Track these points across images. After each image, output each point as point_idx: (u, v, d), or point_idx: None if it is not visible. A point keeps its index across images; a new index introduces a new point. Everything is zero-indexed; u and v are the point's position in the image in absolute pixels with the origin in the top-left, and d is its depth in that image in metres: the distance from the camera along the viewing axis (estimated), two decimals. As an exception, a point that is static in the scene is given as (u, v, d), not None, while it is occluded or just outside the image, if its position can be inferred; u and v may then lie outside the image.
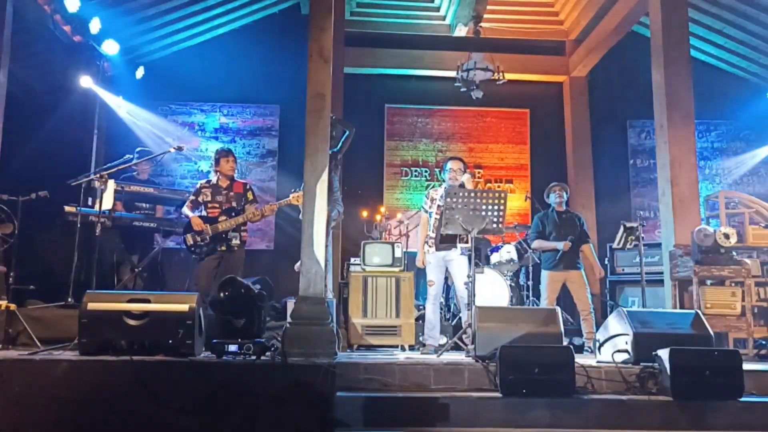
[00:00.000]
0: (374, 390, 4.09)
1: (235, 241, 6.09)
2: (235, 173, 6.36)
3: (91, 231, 5.82)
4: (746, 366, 4.08)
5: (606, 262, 8.16)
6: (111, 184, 5.72)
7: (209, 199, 6.21)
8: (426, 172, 9.73)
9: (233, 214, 6.12)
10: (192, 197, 6.29)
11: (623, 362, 4.34)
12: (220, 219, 6.06)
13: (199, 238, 6.02)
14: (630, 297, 7.79)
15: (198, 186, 6.42)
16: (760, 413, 3.90)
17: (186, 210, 6.21)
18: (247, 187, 6.40)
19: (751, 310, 5.95)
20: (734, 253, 6.07)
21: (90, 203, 6.23)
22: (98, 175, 5.68)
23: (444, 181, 6.30)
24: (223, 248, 6.06)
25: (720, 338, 5.81)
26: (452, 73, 8.31)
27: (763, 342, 6.35)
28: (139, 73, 8.70)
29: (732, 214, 6.93)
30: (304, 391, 4.03)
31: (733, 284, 6.09)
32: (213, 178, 6.34)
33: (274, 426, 3.95)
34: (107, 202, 5.76)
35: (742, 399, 3.93)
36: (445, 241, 5.84)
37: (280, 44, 9.33)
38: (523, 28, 9.80)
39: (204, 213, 6.19)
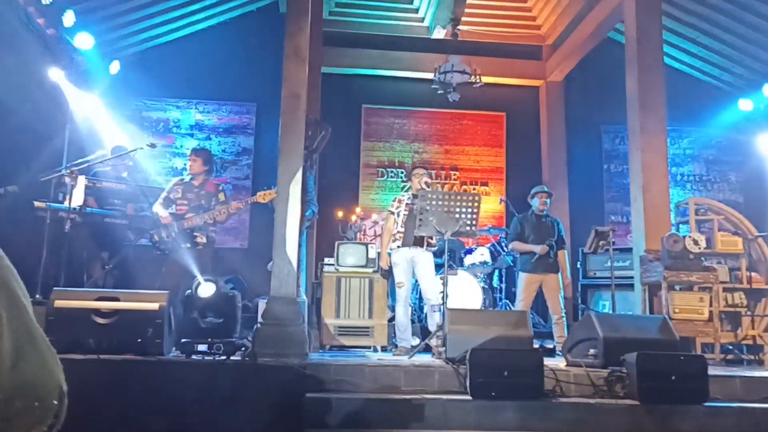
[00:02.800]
0: (345, 391, 4.09)
1: (201, 239, 6.02)
2: (199, 172, 6.22)
3: (61, 227, 5.73)
4: (712, 371, 4.15)
5: (578, 266, 8.24)
6: (81, 180, 5.64)
7: (180, 196, 6.14)
8: (402, 173, 9.74)
9: (201, 211, 6.04)
10: (164, 194, 6.23)
11: (592, 366, 4.37)
12: (187, 216, 6.00)
13: (164, 234, 5.94)
14: (601, 300, 7.88)
15: (171, 183, 6.37)
16: (725, 418, 3.97)
17: (156, 207, 6.14)
18: (220, 188, 6.33)
19: (718, 316, 6.05)
20: (703, 259, 6.17)
21: (60, 199, 6.14)
22: (69, 171, 5.59)
23: (410, 187, 6.35)
24: (188, 246, 5.98)
25: (688, 343, 5.89)
26: (430, 75, 8.34)
27: (730, 347, 6.46)
28: (114, 67, 8.59)
29: (701, 221, 7.03)
30: (274, 392, 4.03)
31: (701, 290, 6.19)
32: (187, 176, 6.29)
33: (243, 426, 3.93)
34: (78, 198, 5.68)
35: (707, 404, 3.99)
36: (416, 242, 5.86)
37: (257, 42, 9.28)
38: (500, 32, 9.86)
39: (173, 210, 6.13)
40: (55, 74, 7.47)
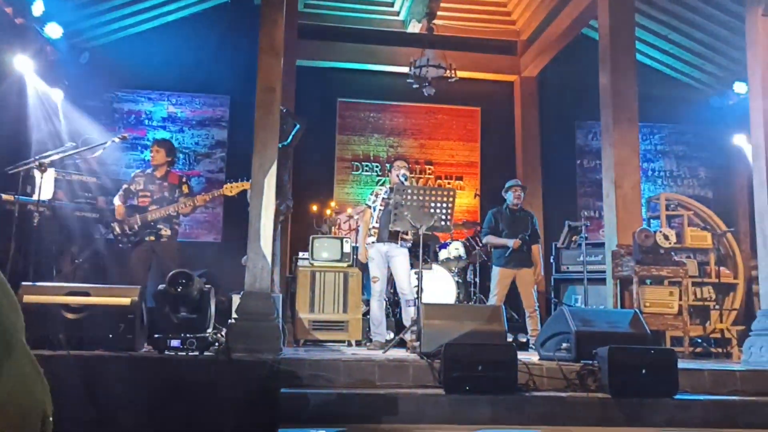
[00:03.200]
0: (319, 386, 4.08)
1: (165, 231, 5.94)
2: (162, 163, 6.12)
3: (29, 220, 5.62)
4: (681, 364, 4.21)
5: (551, 260, 8.32)
6: (51, 173, 5.54)
7: (141, 188, 6.05)
8: (377, 167, 9.73)
9: (164, 204, 5.96)
10: (125, 185, 6.14)
11: (564, 360, 4.42)
12: (150, 208, 5.92)
13: (126, 227, 5.86)
14: (574, 294, 7.96)
15: (132, 175, 6.29)
16: (694, 411, 4.03)
17: (115, 198, 6.06)
18: (183, 180, 6.24)
19: (687, 309, 6.16)
20: (673, 254, 6.27)
21: (29, 192, 6.02)
22: (37, 164, 5.48)
23: (390, 180, 6.34)
24: (152, 238, 5.90)
25: (658, 336, 5.99)
26: (405, 69, 8.32)
27: (699, 340, 6.59)
28: (84, 58, 8.44)
29: (672, 216, 7.15)
30: (248, 387, 4.00)
31: (671, 284, 6.30)
32: (149, 167, 6.21)
33: (217, 422, 3.90)
34: (47, 191, 5.57)
35: (677, 396, 4.06)
36: (391, 236, 5.87)
37: (231, 34, 9.17)
38: (475, 27, 9.88)
39: (135, 202, 6.04)
40: (24, 64, 7.32)
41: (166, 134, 9.13)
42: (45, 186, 5.49)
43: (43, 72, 7.62)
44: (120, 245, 5.96)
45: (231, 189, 5.85)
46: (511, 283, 6.76)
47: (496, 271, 6.84)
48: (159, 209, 5.89)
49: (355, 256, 6.75)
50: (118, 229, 5.88)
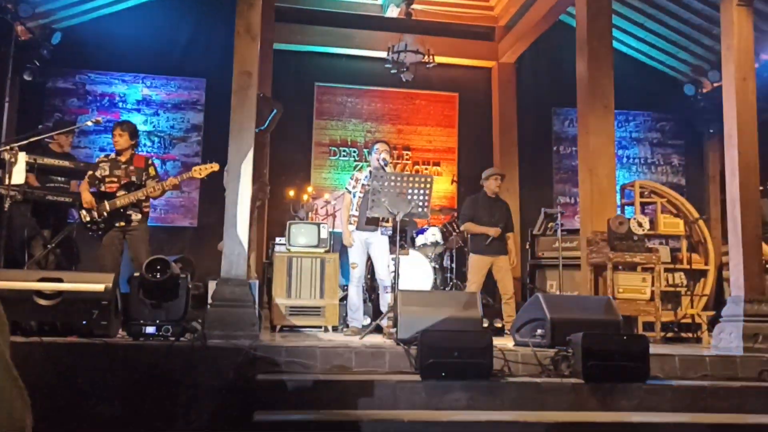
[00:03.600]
0: (296, 372, 4.08)
1: (135, 216, 5.86)
2: (126, 147, 6.00)
3: (0, 205, 5.52)
4: (652, 350, 4.28)
5: (527, 247, 8.38)
6: (22, 157, 5.43)
7: (107, 173, 5.93)
8: (355, 152, 9.70)
9: (132, 188, 5.86)
10: (90, 172, 6.03)
11: (539, 346, 4.47)
12: (118, 194, 5.83)
13: (96, 214, 5.78)
14: (549, 280, 8.04)
15: (97, 160, 6.18)
16: (664, 395, 4.11)
17: (82, 186, 5.96)
18: (149, 162, 6.13)
19: (659, 295, 6.25)
20: (646, 241, 6.35)
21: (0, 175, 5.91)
22: (8, 147, 5.38)
23: (370, 163, 6.32)
24: (122, 224, 5.83)
25: (630, 321, 6.08)
26: (383, 54, 8.29)
27: (670, 325, 6.70)
28: (56, 38, 8.27)
29: (645, 203, 7.23)
30: (224, 374, 3.99)
31: (644, 270, 6.39)
32: (113, 151, 6.11)
33: (193, 409, 3.89)
34: (19, 176, 5.47)
35: (648, 381, 4.13)
36: (369, 223, 5.86)
37: (207, 16, 9.06)
38: (454, 12, 9.85)
39: (102, 188, 5.94)
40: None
41: (140, 117, 9.00)
42: (16, 170, 5.38)
43: (13, 53, 7.46)
44: (90, 233, 5.87)
45: (200, 171, 5.78)
46: (488, 271, 6.80)
47: (473, 259, 6.88)
48: (127, 195, 5.79)
49: (332, 242, 6.74)
50: (87, 217, 5.79)
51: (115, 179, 5.89)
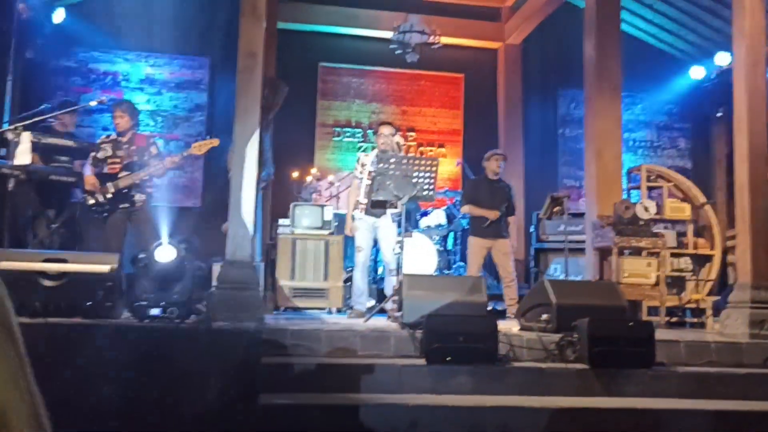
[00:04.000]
0: (301, 355, 4.08)
1: (139, 197, 5.83)
2: (127, 128, 5.95)
3: (4, 185, 5.50)
4: (658, 335, 4.27)
5: (531, 230, 8.36)
6: (26, 137, 5.39)
7: (110, 154, 5.89)
8: (359, 133, 9.65)
9: (135, 168, 5.83)
10: (92, 153, 5.99)
11: (544, 331, 4.46)
12: (120, 175, 5.79)
13: (100, 196, 5.76)
14: (554, 264, 8.02)
15: (98, 141, 6.14)
16: (669, 381, 4.11)
17: (85, 168, 5.93)
18: (151, 141, 6.08)
19: (664, 280, 6.23)
20: (652, 225, 6.32)
21: (3, 154, 5.87)
22: (12, 127, 5.33)
23: (376, 146, 6.26)
24: (126, 205, 5.81)
25: (635, 306, 6.07)
26: (388, 34, 8.21)
27: (674, 310, 6.69)
28: (58, 16, 8.18)
29: (652, 187, 7.18)
30: (229, 357, 3.99)
31: (649, 255, 6.36)
32: (114, 132, 6.06)
33: (198, 391, 3.89)
34: (23, 156, 5.43)
35: (654, 367, 4.12)
36: (376, 206, 5.82)
37: (211, -7, 8.97)
38: (460, -9, 9.75)
39: (105, 170, 5.91)
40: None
41: (143, 96, 8.95)
42: (20, 150, 5.35)
43: (16, 31, 7.38)
44: (95, 215, 5.85)
45: (200, 147, 5.74)
46: (487, 254, 6.77)
47: (472, 241, 6.82)
48: (130, 175, 5.75)
49: (335, 224, 6.72)
50: (91, 200, 5.77)
51: (118, 160, 5.85)
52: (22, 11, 7.73)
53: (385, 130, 6.06)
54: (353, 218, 6.06)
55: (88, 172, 5.83)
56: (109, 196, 5.74)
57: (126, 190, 5.74)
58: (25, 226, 6.19)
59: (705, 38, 9.47)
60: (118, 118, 5.93)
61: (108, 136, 6.08)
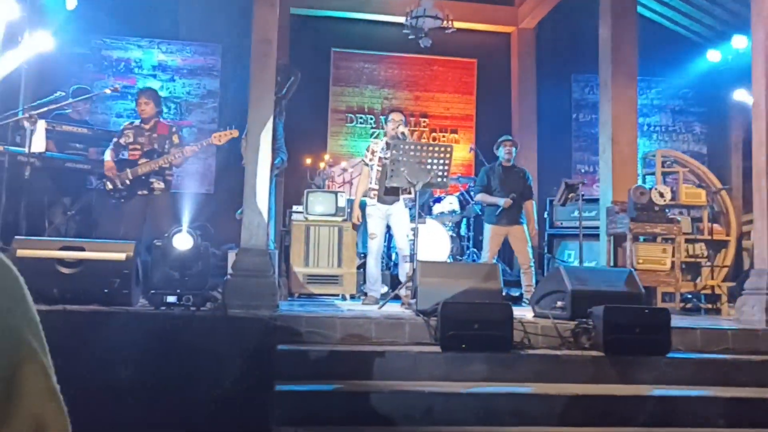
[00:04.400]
0: (316, 343, 4.10)
1: (158, 184, 5.86)
2: (152, 115, 5.96)
3: (20, 172, 5.53)
4: (673, 322, 4.25)
5: (545, 216, 8.32)
6: (41, 125, 5.42)
7: (131, 140, 5.92)
8: (371, 119, 9.62)
9: (155, 156, 5.85)
10: (115, 139, 6.03)
11: (559, 318, 4.45)
12: (140, 162, 5.82)
13: (118, 182, 5.79)
14: (567, 250, 7.99)
15: (122, 127, 6.17)
16: (685, 368, 4.10)
17: (106, 153, 5.96)
18: (173, 130, 6.11)
19: (679, 266, 6.20)
20: (667, 211, 6.28)
21: (18, 141, 5.91)
22: (27, 115, 5.36)
23: (386, 133, 6.25)
24: (144, 192, 5.84)
25: (649, 292, 6.04)
26: (401, 19, 8.14)
27: (689, 296, 6.66)
28: (71, 3, 8.17)
29: (667, 173, 7.13)
30: (244, 344, 4.02)
31: (664, 241, 6.32)
32: (138, 119, 6.08)
33: (214, 379, 3.93)
34: (38, 143, 5.46)
35: (670, 355, 4.11)
36: (389, 193, 5.82)
37: (223, -21, 8.92)
38: (473, -25, 9.65)
39: (125, 156, 5.94)
40: (9, 10, 7.08)
41: (156, 83, 8.96)
42: (36, 138, 5.38)
43: (29, 18, 7.39)
44: (113, 201, 5.90)
45: (220, 138, 5.76)
46: (504, 240, 6.76)
47: (487, 228, 6.82)
48: (149, 162, 5.78)
49: (348, 210, 6.72)
50: (110, 185, 5.80)
51: (138, 146, 5.88)
52: (36, -1, 7.74)
53: (396, 117, 6.04)
54: (364, 206, 6.07)
55: (108, 157, 5.87)
56: (127, 182, 5.77)
57: (144, 177, 5.77)
58: (41, 213, 6.24)
59: (721, 21, 9.33)
60: (143, 105, 5.94)
61: (132, 123, 6.11)
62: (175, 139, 6.00)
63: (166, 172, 5.90)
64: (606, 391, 3.87)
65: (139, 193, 5.79)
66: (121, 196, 5.81)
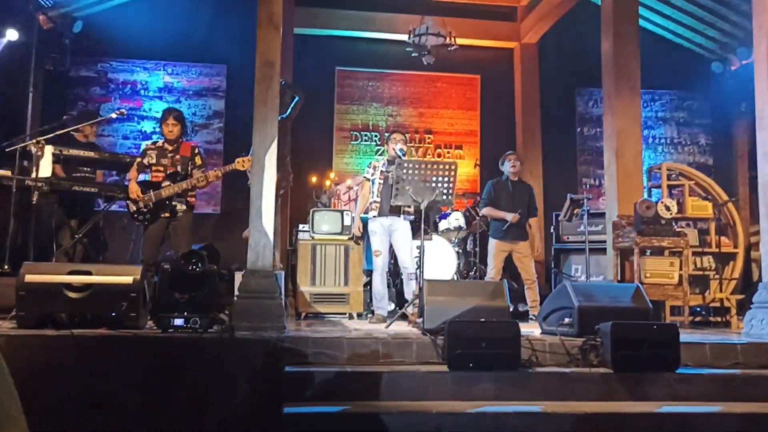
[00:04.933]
0: (323, 364, 4.09)
1: (180, 207, 5.88)
2: (178, 136, 6.02)
3: (28, 197, 5.58)
4: (682, 337, 4.22)
5: (551, 230, 8.31)
6: (48, 150, 5.47)
7: (154, 161, 5.95)
8: (376, 136, 9.65)
9: (178, 178, 5.88)
10: (138, 159, 6.06)
11: (567, 335, 4.43)
12: (163, 185, 5.85)
13: (142, 205, 5.81)
14: (574, 264, 7.97)
15: (144, 147, 6.20)
16: (695, 384, 4.06)
17: (129, 174, 6.00)
18: (196, 150, 6.12)
19: (687, 279, 6.17)
20: (674, 224, 6.26)
21: (26, 166, 5.96)
22: (35, 141, 5.41)
23: (388, 152, 6.29)
24: (167, 215, 5.86)
25: (658, 306, 6.01)
26: (404, 37, 8.21)
27: (698, 309, 6.63)
28: (77, 27, 8.29)
29: (673, 185, 7.11)
30: (252, 366, 4.02)
31: (671, 254, 6.30)
32: (161, 139, 6.11)
33: (221, 401, 3.93)
34: (45, 168, 5.51)
35: (679, 370, 4.08)
36: (393, 211, 5.85)
37: (228, 2, 9.02)
38: (475, -8, 9.72)
39: (148, 177, 5.97)
40: (10, 34, 7.17)
41: (162, 104, 9.03)
42: (43, 163, 5.43)
43: (36, 43, 7.49)
44: (137, 223, 5.92)
45: (243, 163, 5.76)
46: (507, 256, 6.75)
47: (493, 244, 6.82)
48: (172, 185, 5.80)
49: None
50: (133, 207, 5.82)
51: (162, 168, 5.89)
52: (43, 23, 7.84)
53: (396, 137, 6.09)
54: (364, 220, 6.12)
55: (132, 178, 5.89)
56: (150, 205, 5.79)
57: (168, 200, 5.79)
58: (49, 237, 6.27)
59: (725, 33, 9.35)
60: (171, 126, 5.95)
61: (154, 143, 6.12)
62: (198, 160, 6.02)
63: (189, 193, 5.92)
64: (616, 408, 3.84)
65: (162, 215, 5.81)
66: (144, 218, 5.82)
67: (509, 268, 7.04)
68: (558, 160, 9.73)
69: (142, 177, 5.98)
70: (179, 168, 5.92)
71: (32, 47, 7.57)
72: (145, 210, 5.81)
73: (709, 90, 9.93)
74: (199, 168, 5.98)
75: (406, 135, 6.59)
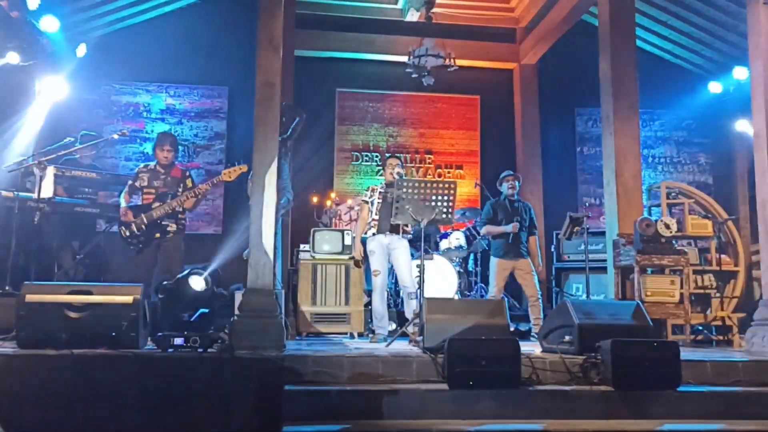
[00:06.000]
0: (323, 383, 4.08)
1: (171, 227, 5.92)
2: (171, 161, 6.10)
3: (30, 217, 5.61)
4: (683, 355, 4.21)
5: (552, 249, 8.32)
6: (50, 171, 5.51)
7: (146, 184, 6.02)
8: (377, 157, 9.70)
9: (168, 199, 5.93)
10: (130, 182, 6.11)
11: (567, 353, 4.42)
12: (153, 206, 5.89)
13: (135, 228, 5.84)
14: (574, 283, 7.97)
15: (136, 171, 6.26)
16: (697, 402, 4.05)
17: (121, 199, 6.04)
18: (187, 174, 6.21)
19: (688, 298, 6.15)
20: (674, 242, 6.26)
21: (29, 187, 6.00)
22: (37, 162, 5.45)
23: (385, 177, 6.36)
24: (158, 236, 5.90)
25: (659, 325, 5.99)
26: (404, 58, 8.28)
27: (700, 328, 6.60)
28: (81, 51, 8.36)
29: (672, 204, 7.12)
30: (252, 385, 4.01)
31: (672, 272, 6.29)
32: (153, 162, 6.18)
33: (221, 421, 3.91)
34: (47, 189, 5.55)
35: (680, 388, 4.07)
36: (392, 230, 5.87)
37: (228, 24, 9.11)
38: (474, 15, 9.80)
39: (139, 201, 6.02)
40: (11, 57, 7.23)
41: (164, 126, 9.09)
42: (45, 184, 5.47)
43: (40, 66, 7.56)
44: (131, 247, 5.95)
45: (230, 174, 5.84)
46: (509, 275, 6.76)
47: (494, 262, 6.84)
48: (162, 206, 5.86)
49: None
50: (126, 231, 5.86)
51: (153, 190, 5.97)
52: (46, 46, 7.92)
53: (392, 161, 6.18)
54: (364, 240, 6.15)
55: (123, 203, 5.94)
56: (143, 227, 5.82)
57: (159, 221, 5.83)
58: (50, 258, 6.30)
59: (721, 53, 9.43)
60: (167, 152, 6.06)
61: (146, 166, 6.20)
62: (188, 182, 6.10)
63: (179, 215, 5.96)
64: (617, 426, 3.82)
65: (155, 236, 5.85)
66: (139, 242, 5.86)
67: (510, 288, 7.04)
68: (558, 179, 9.76)
69: (133, 201, 6.02)
70: (168, 189, 5.97)
71: (35, 70, 7.63)
72: (138, 233, 5.84)
73: (708, 109, 9.98)
74: (189, 190, 6.02)
75: (401, 158, 6.71)
